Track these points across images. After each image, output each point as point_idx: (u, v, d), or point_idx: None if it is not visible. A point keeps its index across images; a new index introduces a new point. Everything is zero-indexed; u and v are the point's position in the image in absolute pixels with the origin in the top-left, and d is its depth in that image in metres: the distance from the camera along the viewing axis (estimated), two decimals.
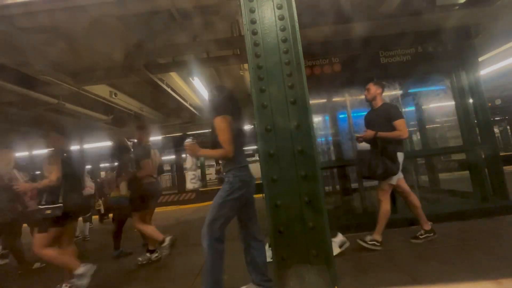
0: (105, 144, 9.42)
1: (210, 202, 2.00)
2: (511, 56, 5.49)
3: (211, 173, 22.46)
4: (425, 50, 3.84)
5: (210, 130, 2.06)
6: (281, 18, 1.58)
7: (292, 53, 1.54)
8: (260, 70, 1.54)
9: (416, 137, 5.62)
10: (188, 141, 1.97)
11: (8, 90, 4.05)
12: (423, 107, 5.34)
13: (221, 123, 1.95)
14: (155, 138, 10.10)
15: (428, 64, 3.80)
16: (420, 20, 3.50)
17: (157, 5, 2.68)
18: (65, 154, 2.66)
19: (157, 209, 9.66)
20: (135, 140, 3.61)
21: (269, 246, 2.90)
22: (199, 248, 1.94)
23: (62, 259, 2.52)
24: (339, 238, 2.84)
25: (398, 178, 2.86)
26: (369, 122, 3.03)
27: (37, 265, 3.77)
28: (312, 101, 3.57)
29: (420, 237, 2.88)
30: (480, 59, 4.90)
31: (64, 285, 2.62)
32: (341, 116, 4.49)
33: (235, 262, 2.22)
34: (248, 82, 5.47)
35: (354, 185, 4.40)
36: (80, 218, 5.57)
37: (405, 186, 2.92)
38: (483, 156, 3.68)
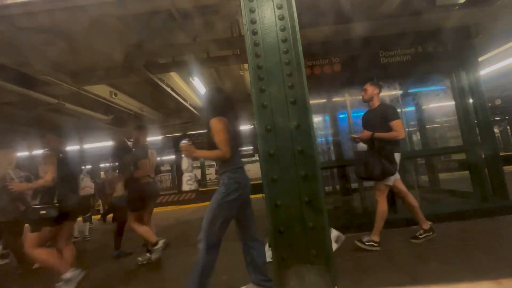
0: (105, 144, 9.43)
1: None
2: (511, 56, 5.50)
3: (211, 173, 22.47)
4: (425, 50, 3.84)
5: (206, 131, 2.05)
6: (281, 18, 1.58)
7: (292, 53, 1.54)
8: (260, 70, 1.54)
9: (416, 137, 5.63)
10: (184, 142, 1.96)
11: (8, 90, 4.06)
12: (423, 107, 5.34)
13: (217, 124, 1.94)
14: (155, 138, 10.10)
15: (428, 64, 3.80)
16: (420, 20, 3.50)
17: (157, 5, 2.68)
18: (61, 155, 2.65)
19: (157, 209, 9.66)
20: (132, 140, 3.61)
21: (269, 246, 2.90)
22: None
23: (52, 261, 2.50)
24: (334, 233, 2.84)
25: (395, 179, 2.86)
26: (366, 122, 3.03)
27: (37, 265, 3.76)
28: (312, 101, 3.57)
29: (420, 237, 2.88)
30: (480, 59, 4.91)
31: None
32: (341, 116, 4.49)
33: (235, 262, 2.22)
34: (248, 82, 5.47)
35: (354, 185, 4.40)
36: (80, 218, 5.60)
37: (401, 186, 2.93)
38: (483, 156, 3.68)
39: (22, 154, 8.82)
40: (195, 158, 2.11)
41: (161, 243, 3.20)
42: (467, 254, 2.47)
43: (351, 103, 4.11)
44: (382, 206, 2.86)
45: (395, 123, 2.80)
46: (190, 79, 5.37)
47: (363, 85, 3.07)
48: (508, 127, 17.65)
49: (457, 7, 3.54)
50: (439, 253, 2.58)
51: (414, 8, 3.45)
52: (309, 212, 1.42)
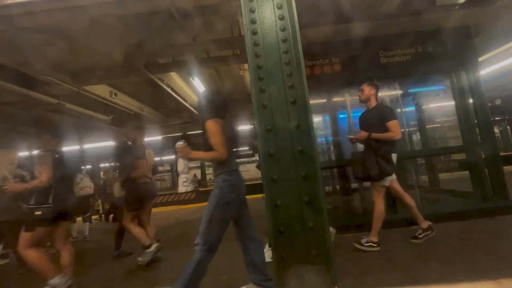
0: (105, 144, 9.43)
1: None
2: (511, 56, 5.50)
3: (211, 173, 22.44)
4: (425, 50, 3.84)
5: (201, 132, 2.04)
6: (281, 18, 1.58)
7: (292, 53, 1.54)
8: (260, 70, 1.54)
9: (416, 137, 5.62)
10: (179, 143, 1.96)
11: (8, 90, 4.05)
12: (423, 107, 5.34)
13: (213, 126, 1.94)
14: (155, 138, 10.11)
15: (428, 64, 3.80)
16: (420, 20, 3.50)
17: (157, 5, 2.68)
18: (56, 155, 2.64)
19: (157, 209, 9.66)
20: (129, 140, 3.60)
21: (269, 246, 2.90)
22: None
23: (42, 264, 2.49)
24: None
25: (391, 179, 2.86)
26: (363, 123, 3.03)
27: None
28: (312, 101, 3.57)
29: (419, 236, 2.88)
30: (480, 59, 4.91)
31: (62, 275, 2.62)
32: (341, 116, 4.49)
33: (235, 262, 2.22)
34: (248, 82, 5.47)
35: (354, 185, 4.40)
36: (80, 218, 5.60)
37: (397, 187, 2.93)
38: (483, 156, 3.68)
39: (24, 154, 8.83)
40: (190, 160, 2.09)
41: (153, 247, 3.20)
42: (467, 254, 2.47)
43: (351, 103, 4.11)
44: (379, 207, 2.86)
45: (391, 124, 2.79)
46: (190, 79, 5.36)
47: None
48: (508, 127, 17.66)
49: (457, 7, 3.54)
50: (439, 253, 2.58)
51: (414, 8, 3.45)
52: (309, 212, 1.42)
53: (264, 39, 1.57)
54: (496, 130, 17.76)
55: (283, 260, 1.41)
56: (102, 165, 13.76)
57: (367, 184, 3.93)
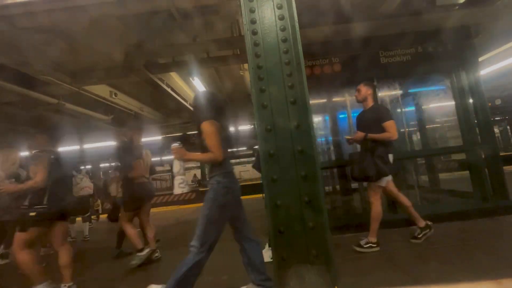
0: (105, 144, 9.43)
1: None
2: (511, 56, 5.49)
3: None
4: (425, 50, 3.84)
5: (197, 133, 2.04)
6: (281, 18, 1.58)
7: (292, 53, 1.54)
8: (260, 70, 1.54)
9: (416, 137, 5.62)
10: (174, 145, 1.96)
11: (8, 90, 4.05)
12: (423, 107, 5.33)
13: (209, 128, 1.94)
14: (155, 138, 10.11)
15: (428, 64, 3.80)
16: (420, 20, 3.50)
17: (157, 5, 2.68)
18: (52, 156, 2.62)
19: (157, 209, 9.67)
20: (127, 140, 3.60)
21: (269, 246, 2.90)
22: None
23: (30, 269, 2.48)
24: None
25: (387, 180, 2.86)
26: (360, 123, 3.03)
27: None
28: (312, 101, 3.57)
29: (419, 236, 2.88)
30: (480, 59, 4.91)
31: (63, 285, 2.62)
32: (341, 116, 4.49)
33: (235, 262, 2.22)
34: (248, 82, 5.47)
35: (354, 185, 4.40)
36: (79, 218, 5.60)
37: (392, 187, 2.93)
38: (483, 156, 3.68)
39: (26, 153, 8.83)
40: (186, 161, 2.09)
41: (145, 251, 3.20)
42: (467, 254, 2.47)
43: (351, 103, 4.11)
44: (376, 207, 2.86)
45: (388, 124, 2.78)
46: (190, 79, 5.36)
47: None
48: (508, 127, 17.65)
49: (457, 7, 3.54)
50: (439, 253, 2.58)
51: (414, 8, 3.45)
52: (309, 212, 1.42)
53: (264, 39, 1.57)
54: (496, 130, 17.76)
55: (283, 260, 1.41)
56: (102, 165, 13.77)
57: (367, 184, 3.94)
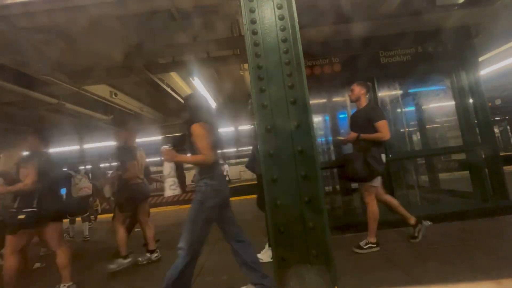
0: (105, 144, 9.43)
1: None
2: (511, 56, 5.49)
3: None
4: (425, 50, 3.84)
5: (187, 135, 2.04)
6: (281, 18, 1.58)
7: (292, 53, 1.54)
8: (260, 70, 1.54)
9: (416, 137, 5.62)
10: (164, 147, 1.97)
11: (8, 90, 4.05)
12: (423, 107, 5.33)
13: (199, 130, 1.95)
14: (155, 138, 10.10)
15: (428, 64, 3.80)
16: (420, 20, 3.50)
17: (157, 5, 2.68)
18: (43, 158, 2.60)
19: (157, 209, 9.66)
20: (121, 141, 3.59)
21: (269, 246, 2.90)
22: None
23: (10, 277, 2.47)
24: None
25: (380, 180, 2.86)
26: (353, 123, 3.03)
27: (37, 265, 3.77)
28: (312, 101, 3.57)
29: (415, 235, 2.87)
30: (480, 59, 4.90)
31: (62, 285, 2.62)
32: (341, 116, 4.49)
33: (235, 262, 2.22)
34: (248, 82, 5.46)
35: (354, 185, 4.40)
36: (79, 218, 5.60)
37: (379, 189, 2.92)
38: (483, 156, 3.68)
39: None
40: (177, 163, 2.10)
41: (127, 261, 3.20)
42: (467, 254, 2.47)
43: (351, 103, 4.10)
44: (372, 207, 2.86)
45: (380, 124, 2.77)
46: (190, 79, 5.35)
47: None
48: (508, 127, 17.64)
49: (457, 7, 3.54)
50: (439, 253, 2.59)
51: (414, 8, 3.45)
52: (309, 212, 1.42)
53: (264, 39, 1.57)
54: (496, 130, 17.75)
55: (283, 260, 1.41)
56: (102, 165, 13.76)
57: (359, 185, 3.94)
